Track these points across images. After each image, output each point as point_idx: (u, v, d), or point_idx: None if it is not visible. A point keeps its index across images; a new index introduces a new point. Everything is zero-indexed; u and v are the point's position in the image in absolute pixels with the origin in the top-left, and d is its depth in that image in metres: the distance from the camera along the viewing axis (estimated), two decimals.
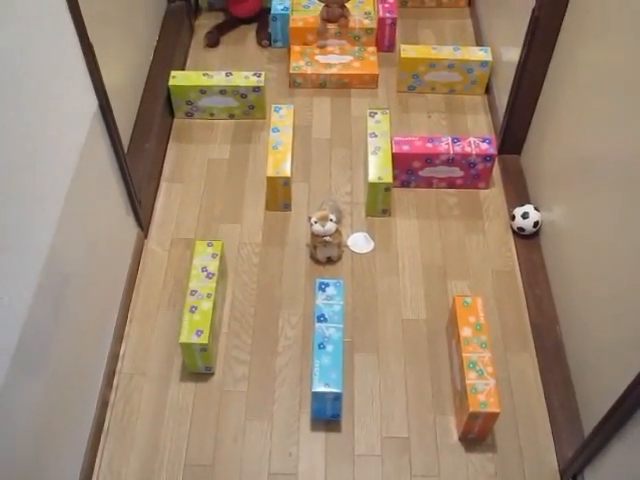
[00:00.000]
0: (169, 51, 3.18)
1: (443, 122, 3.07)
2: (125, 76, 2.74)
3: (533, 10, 2.43)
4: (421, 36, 3.49)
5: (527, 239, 2.62)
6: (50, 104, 1.80)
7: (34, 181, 1.70)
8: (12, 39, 1.58)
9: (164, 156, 2.95)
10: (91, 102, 2.10)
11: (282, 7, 3.33)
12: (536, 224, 2.57)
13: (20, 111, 1.62)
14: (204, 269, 2.33)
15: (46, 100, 1.77)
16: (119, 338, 2.36)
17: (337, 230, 2.49)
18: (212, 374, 2.30)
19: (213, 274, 2.31)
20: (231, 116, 3.07)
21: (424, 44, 3.35)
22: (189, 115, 3.08)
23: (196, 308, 2.22)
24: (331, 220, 2.45)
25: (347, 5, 3.24)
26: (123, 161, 2.35)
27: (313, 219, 2.45)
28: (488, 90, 3.17)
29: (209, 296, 2.26)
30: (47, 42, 1.77)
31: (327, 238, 2.47)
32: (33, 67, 1.69)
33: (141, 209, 2.57)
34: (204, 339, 2.16)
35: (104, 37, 2.32)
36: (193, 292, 2.26)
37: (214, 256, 2.37)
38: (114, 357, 2.31)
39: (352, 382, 2.28)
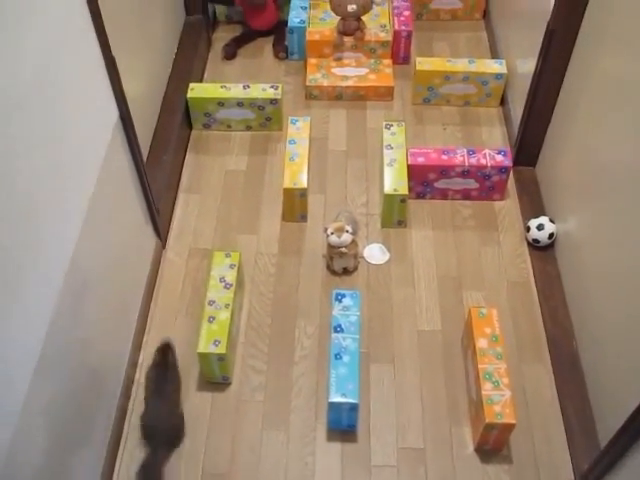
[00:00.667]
0: (187, 63, 3.22)
1: (458, 134, 3.09)
2: (145, 88, 2.78)
3: (548, 23, 2.44)
4: (436, 49, 3.51)
5: (542, 251, 2.63)
6: (74, 115, 1.83)
7: (58, 191, 1.73)
8: (40, 54, 1.62)
9: (182, 167, 2.98)
10: (112, 113, 2.13)
11: (299, 20, 3.37)
12: (551, 236, 2.58)
13: (45, 123, 1.65)
14: (222, 279, 2.36)
15: (70, 112, 1.81)
16: (137, 347, 2.39)
17: (353, 241, 2.51)
18: (229, 384, 2.32)
19: (231, 284, 2.34)
20: (248, 128, 3.11)
21: (439, 57, 3.37)
22: (206, 127, 3.12)
23: (214, 318, 2.25)
24: (347, 231, 2.47)
25: (363, 18, 3.27)
26: (143, 172, 2.38)
27: (329, 230, 2.48)
28: (503, 102, 3.19)
29: (227, 306, 2.28)
30: (72, 56, 1.81)
31: (343, 249, 2.49)
32: (59, 80, 1.73)
33: (159, 219, 2.61)
34: (222, 349, 2.18)
35: (125, 49, 2.36)
36: (211, 302, 2.29)
37: (232, 267, 2.40)
38: (132, 366, 2.34)
39: (368, 392, 2.29)
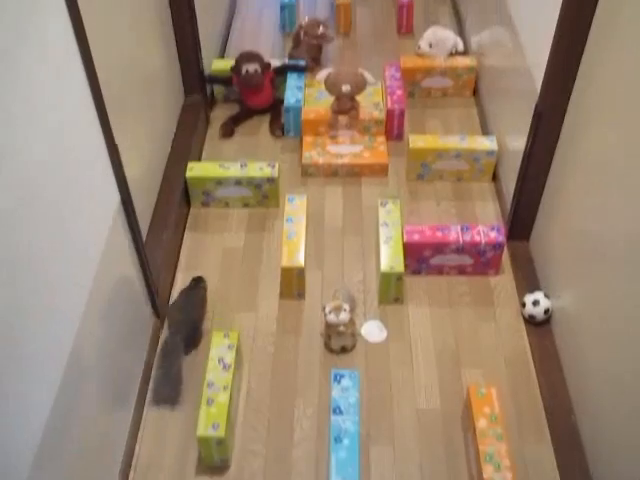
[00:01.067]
0: (186, 142, 3.30)
1: (452, 210, 3.15)
2: (145, 168, 2.84)
3: (536, 106, 2.53)
4: (428, 125, 3.61)
5: (539, 326, 2.65)
6: (77, 202, 1.88)
7: (61, 277, 1.76)
8: (47, 143, 1.67)
9: (180, 245, 3.02)
10: (114, 197, 2.18)
11: (295, 100, 3.47)
12: (547, 311, 2.61)
13: (50, 209, 1.69)
14: (221, 360, 2.36)
15: (74, 198, 1.85)
16: (135, 432, 2.37)
17: (351, 319, 2.53)
18: (228, 467, 2.30)
19: (229, 365, 2.35)
20: (245, 205, 3.16)
21: (432, 133, 3.46)
22: (205, 204, 3.17)
23: (213, 401, 2.24)
24: (345, 310, 2.49)
25: (357, 97, 3.37)
26: (143, 253, 2.42)
27: (327, 309, 2.50)
28: (495, 177, 3.26)
29: (225, 388, 2.28)
30: (77, 145, 1.87)
31: (341, 328, 2.51)
32: (64, 168, 1.78)
33: (158, 299, 2.63)
34: (221, 432, 2.17)
35: (126, 132, 2.43)
36: (210, 384, 2.29)
37: (230, 347, 2.40)
38: (130, 451, 2.31)
39: (369, 476, 2.27)
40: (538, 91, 2.53)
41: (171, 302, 2.72)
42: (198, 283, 2.73)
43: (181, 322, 2.59)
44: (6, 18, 1.49)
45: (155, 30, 3.03)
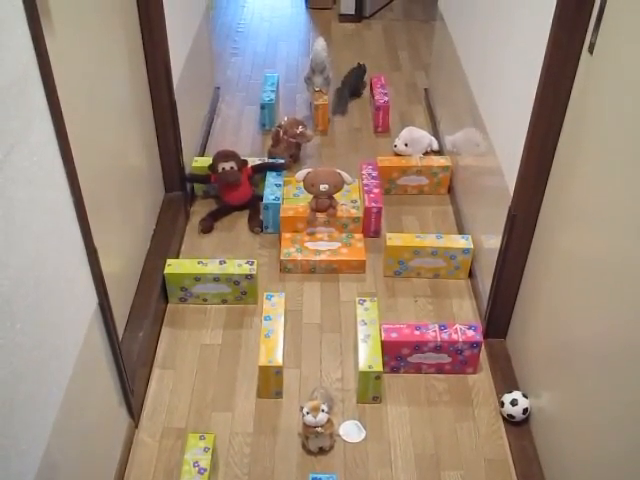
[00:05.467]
0: (165, 239, 3.32)
1: (429, 307, 3.18)
2: (123, 267, 2.84)
3: (510, 209, 2.60)
4: (405, 222, 3.68)
5: (518, 426, 2.63)
6: (54, 309, 1.87)
7: (36, 383, 1.73)
8: (24, 253, 1.68)
9: (157, 341, 3.00)
10: (91, 302, 2.17)
11: (274, 197, 3.53)
12: (525, 411, 2.60)
13: (27, 314, 1.68)
14: (196, 464, 2.31)
15: (51, 303, 1.84)
16: None
17: (329, 420, 2.50)
18: None
19: (205, 470, 2.29)
20: (224, 301, 3.16)
21: (408, 231, 3.53)
22: (182, 300, 3.17)
23: None
24: (323, 410, 2.46)
25: (335, 196, 3.44)
26: (119, 354, 2.39)
27: (305, 410, 2.47)
28: (471, 274, 3.31)
29: None
30: (56, 252, 1.87)
31: (319, 429, 2.47)
32: (41, 274, 1.78)
33: (133, 399, 2.58)
34: None
35: (106, 232, 2.46)
36: None
37: (206, 450, 2.36)
38: None
39: None
40: (511, 193, 2.61)
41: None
42: (361, 66, 4.81)
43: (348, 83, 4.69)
44: None
45: (138, 131, 3.10)
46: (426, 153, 4.08)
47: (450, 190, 3.87)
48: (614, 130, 1.97)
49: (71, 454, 2.00)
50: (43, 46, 1.72)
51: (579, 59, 2.21)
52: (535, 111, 2.37)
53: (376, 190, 3.54)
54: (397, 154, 4.07)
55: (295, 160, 4.05)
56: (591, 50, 2.12)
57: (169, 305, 3.18)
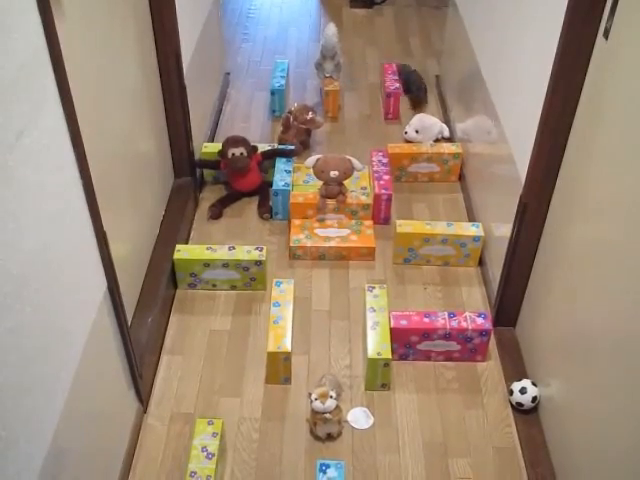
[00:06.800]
0: (175, 224, 3.32)
1: (439, 294, 3.16)
2: (132, 252, 2.84)
3: (521, 197, 2.58)
4: (415, 209, 3.66)
5: (526, 414, 2.62)
6: (63, 293, 1.87)
7: (45, 367, 1.74)
8: (35, 237, 1.68)
9: (166, 327, 3.00)
10: (100, 285, 2.18)
11: (283, 183, 3.52)
12: (534, 399, 2.59)
13: (36, 298, 1.69)
14: (204, 449, 2.31)
15: (60, 286, 1.85)
16: None
17: (337, 407, 2.50)
18: None
19: (213, 454, 2.30)
20: (233, 287, 3.16)
21: (418, 218, 3.51)
22: (192, 286, 3.17)
23: None
24: (331, 397, 2.46)
25: (344, 183, 3.43)
26: (128, 339, 2.39)
27: (313, 396, 2.47)
28: (481, 262, 3.29)
29: (208, 478, 2.23)
30: (66, 236, 1.87)
31: (327, 415, 2.47)
32: (52, 257, 1.78)
33: (142, 383, 2.59)
34: None
35: (116, 217, 2.46)
36: (192, 474, 2.24)
37: (214, 435, 2.36)
38: None
39: None
40: (522, 181, 2.59)
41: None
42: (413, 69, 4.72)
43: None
44: None
45: (148, 116, 3.09)
46: (437, 140, 4.05)
47: (461, 178, 3.84)
48: (629, 117, 1.95)
49: (79, 438, 2.01)
50: (53, 30, 1.71)
51: (594, 45, 2.19)
52: (548, 98, 2.35)
53: (386, 177, 3.52)
54: (407, 141, 4.04)
55: (305, 146, 4.03)
56: (606, 35, 2.09)
57: (178, 291, 3.18)
